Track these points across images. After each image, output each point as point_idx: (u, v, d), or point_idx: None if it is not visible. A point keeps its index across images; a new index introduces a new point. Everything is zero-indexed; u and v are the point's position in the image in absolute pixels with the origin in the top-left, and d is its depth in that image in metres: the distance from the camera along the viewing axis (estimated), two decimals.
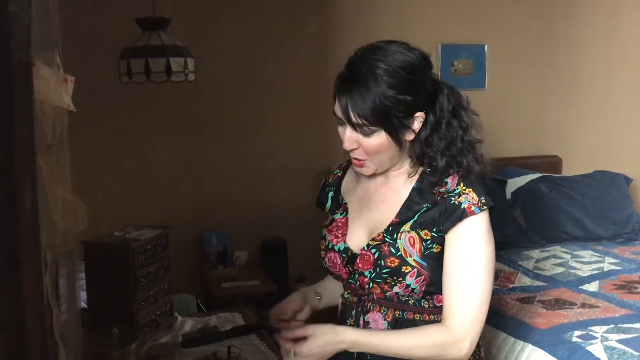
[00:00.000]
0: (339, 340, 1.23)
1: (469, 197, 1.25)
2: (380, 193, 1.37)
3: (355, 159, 1.30)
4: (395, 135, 1.24)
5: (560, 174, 3.74)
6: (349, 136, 1.26)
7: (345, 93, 1.23)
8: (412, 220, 1.29)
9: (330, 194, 1.49)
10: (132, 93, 2.87)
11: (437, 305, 1.31)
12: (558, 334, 2.17)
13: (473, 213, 1.24)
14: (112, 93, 2.90)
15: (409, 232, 1.28)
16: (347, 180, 1.47)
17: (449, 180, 1.29)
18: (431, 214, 1.27)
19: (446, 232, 1.26)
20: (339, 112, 1.25)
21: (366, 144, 1.25)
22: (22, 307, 0.65)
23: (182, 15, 2.84)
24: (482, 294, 1.24)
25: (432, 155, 1.29)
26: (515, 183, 3.47)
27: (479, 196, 1.26)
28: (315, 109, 3.18)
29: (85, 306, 1.70)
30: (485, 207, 1.25)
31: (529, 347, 2.16)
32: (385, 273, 1.27)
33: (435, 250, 1.27)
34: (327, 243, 1.40)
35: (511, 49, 3.74)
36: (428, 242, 1.27)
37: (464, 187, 1.27)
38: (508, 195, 3.41)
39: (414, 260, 1.26)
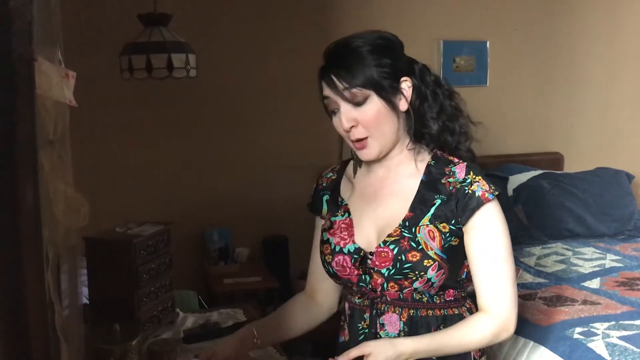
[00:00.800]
0: (400, 353, 1.22)
1: (480, 185, 1.27)
2: (386, 187, 1.35)
3: (357, 140, 1.29)
4: (388, 98, 1.26)
5: (562, 171, 3.73)
6: (345, 113, 1.26)
7: (329, 70, 1.27)
8: (429, 214, 1.29)
9: (325, 197, 1.46)
10: (134, 89, 2.86)
11: (447, 299, 1.33)
12: (559, 330, 2.17)
13: (488, 200, 1.26)
14: (113, 89, 2.90)
15: (427, 225, 1.28)
16: (345, 182, 1.45)
17: (456, 169, 1.30)
18: (449, 206, 1.28)
19: (465, 223, 1.28)
20: (328, 92, 1.28)
21: (363, 115, 1.26)
22: (23, 303, 0.65)
23: (183, 11, 2.84)
24: (512, 274, 1.28)
25: (426, 123, 1.32)
26: (516, 180, 3.47)
27: (488, 183, 1.28)
28: (317, 105, 3.16)
29: (87, 302, 1.71)
30: (496, 193, 1.28)
31: (531, 344, 2.16)
32: (407, 268, 1.26)
33: (454, 243, 1.28)
34: (332, 246, 1.36)
35: (513, 46, 3.73)
36: (447, 235, 1.28)
37: (474, 176, 1.29)
38: (509, 192, 3.40)
39: (435, 253, 1.26)
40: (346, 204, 1.40)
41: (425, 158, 1.34)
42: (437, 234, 1.27)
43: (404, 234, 1.28)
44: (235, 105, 3.28)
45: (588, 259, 2.97)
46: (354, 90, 1.24)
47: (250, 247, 3.32)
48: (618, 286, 2.60)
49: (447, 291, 1.32)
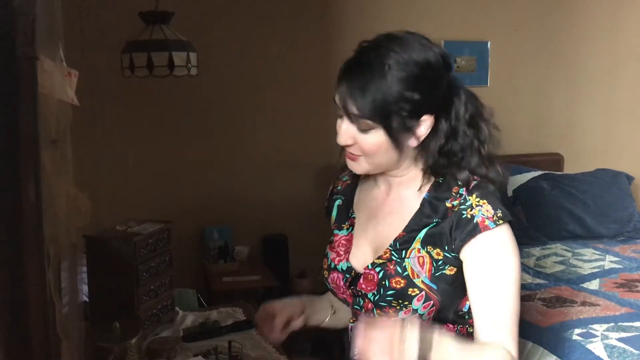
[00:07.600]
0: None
1: (482, 210, 1.12)
2: (388, 204, 1.24)
3: (350, 152, 1.16)
4: (395, 137, 1.11)
5: (562, 172, 3.73)
6: (345, 130, 1.13)
7: (346, 81, 1.11)
8: (420, 236, 1.16)
9: (338, 202, 1.35)
10: (135, 87, 2.86)
11: None
12: (558, 332, 2.17)
13: (487, 228, 1.10)
14: (114, 87, 2.89)
15: (419, 250, 1.15)
16: (359, 190, 1.33)
17: (464, 191, 1.15)
18: (440, 228, 1.14)
19: (459, 250, 1.13)
20: (337, 101, 1.13)
21: (362, 141, 1.12)
22: (25, 301, 0.65)
23: (185, 10, 2.84)
24: (515, 309, 1.12)
25: (448, 166, 1.16)
26: (516, 180, 3.47)
27: (494, 209, 1.12)
28: (318, 103, 3.18)
29: (87, 300, 1.71)
30: (501, 222, 1.11)
31: (529, 345, 2.16)
32: (390, 295, 1.14)
33: (448, 272, 1.14)
34: (329, 262, 1.28)
35: (514, 46, 3.73)
36: (440, 262, 1.14)
37: (477, 199, 1.13)
38: (509, 193, 3.41)
39: (422, 282, 1.13)
40: (354, 217, 1.30)
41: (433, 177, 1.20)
42: (427, 260, 1.13)
43: (392, 256, 1.16)
44: (236, 104, 3.28)
45: (587, 260, 2.97)
46: (362, 120, 1.10)
47: (250, 246, 3.32)
48: (617, 288, 2.60)
49: (445, 325, 1.17)
